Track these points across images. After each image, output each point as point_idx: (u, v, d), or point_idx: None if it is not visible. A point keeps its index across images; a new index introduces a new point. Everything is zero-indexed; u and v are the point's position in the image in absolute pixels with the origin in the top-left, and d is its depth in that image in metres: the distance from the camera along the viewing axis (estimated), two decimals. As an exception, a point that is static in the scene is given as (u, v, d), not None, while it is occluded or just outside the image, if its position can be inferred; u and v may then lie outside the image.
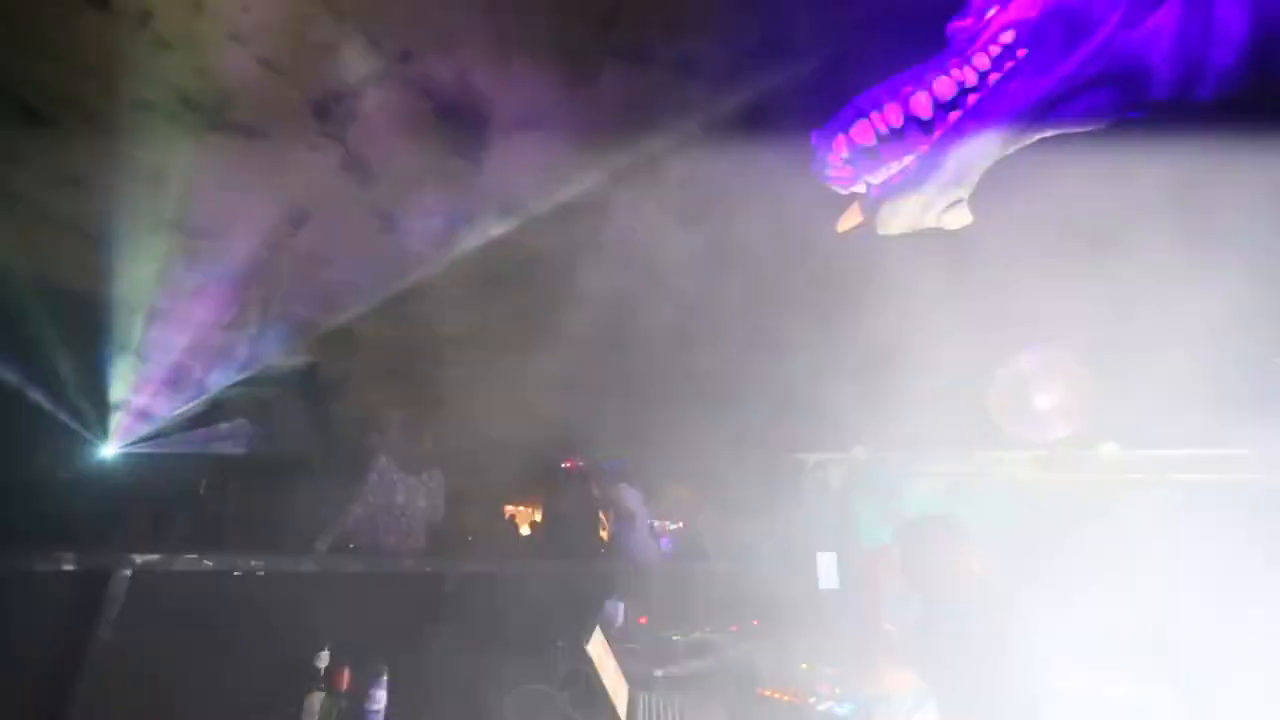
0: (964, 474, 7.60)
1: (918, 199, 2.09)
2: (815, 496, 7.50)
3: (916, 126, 2.14)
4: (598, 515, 4.49)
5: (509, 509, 7.45)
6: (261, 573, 1.98)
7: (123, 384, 7.74)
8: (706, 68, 4.42)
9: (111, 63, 4.05)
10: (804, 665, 2.14)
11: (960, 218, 1.99)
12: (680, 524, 6.33)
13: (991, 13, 2.17)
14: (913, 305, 6.04)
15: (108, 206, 5.77)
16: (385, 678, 1.80)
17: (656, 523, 6.47)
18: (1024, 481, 7.15)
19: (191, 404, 8.39)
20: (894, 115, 2.09)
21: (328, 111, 4.06)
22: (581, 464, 4.27)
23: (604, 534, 4.97)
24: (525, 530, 6.76)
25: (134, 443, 7.92)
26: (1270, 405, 4.20)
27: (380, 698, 1.78)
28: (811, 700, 2.02)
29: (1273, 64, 1.90)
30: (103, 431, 7.70)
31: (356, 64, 3.75)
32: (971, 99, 2.07)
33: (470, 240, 6.81)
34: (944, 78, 2.05)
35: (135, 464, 7.75)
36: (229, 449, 8.44)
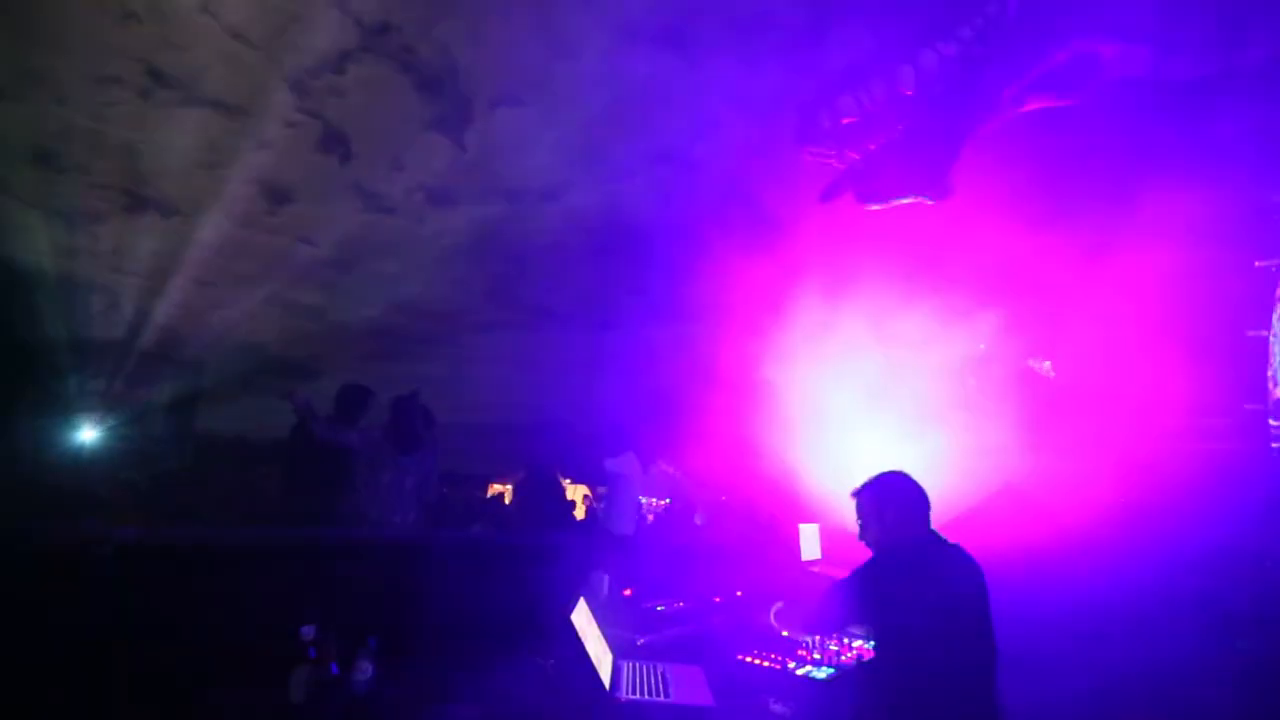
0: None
1: (902, 172, 2.10)
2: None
3: (900, 100, 2.14)
4: (564, 496, 4.53)
5: (495, 487, 7.48)
6: (250, 546, 1.98)
7: (106, 362, 7.62)
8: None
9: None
10: (784, 632, 2.19)
11: (943, 191, 1.99)
12: (667, 500, 6.39)
13: (976, -15, 2.14)
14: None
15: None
16: (372, 649, 1.81)
17: (644, 499, 6.53)
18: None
19: (176, 383, 8.28)
20: (878, 89, 2.08)
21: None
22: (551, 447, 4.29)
23: (579, 512, 5.01)
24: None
25: (120, 421, 7.81)
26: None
27: (367, 668, 1.80)
28: (791, 665, 2.07)
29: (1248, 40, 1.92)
30: (89, 409, 7.59)
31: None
32: (955, 72, 2.07)
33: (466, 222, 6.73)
34: (928, 51, 2.05)
35: (121, 442, 7.66)
36: (218, 427, 8.35)
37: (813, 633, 2.19)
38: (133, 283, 7.34)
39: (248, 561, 1.88)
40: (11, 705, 1.51)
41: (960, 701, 1.76)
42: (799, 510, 4.00)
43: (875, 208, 2.25)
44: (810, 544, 3.82)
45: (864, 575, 1.91)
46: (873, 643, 1.86)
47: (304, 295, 7.86)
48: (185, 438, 8.45)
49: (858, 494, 2.07)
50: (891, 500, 1.97)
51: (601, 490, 5.01)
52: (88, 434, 7.54)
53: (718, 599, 2.73)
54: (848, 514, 2.11)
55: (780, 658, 2.11)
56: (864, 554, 2.14)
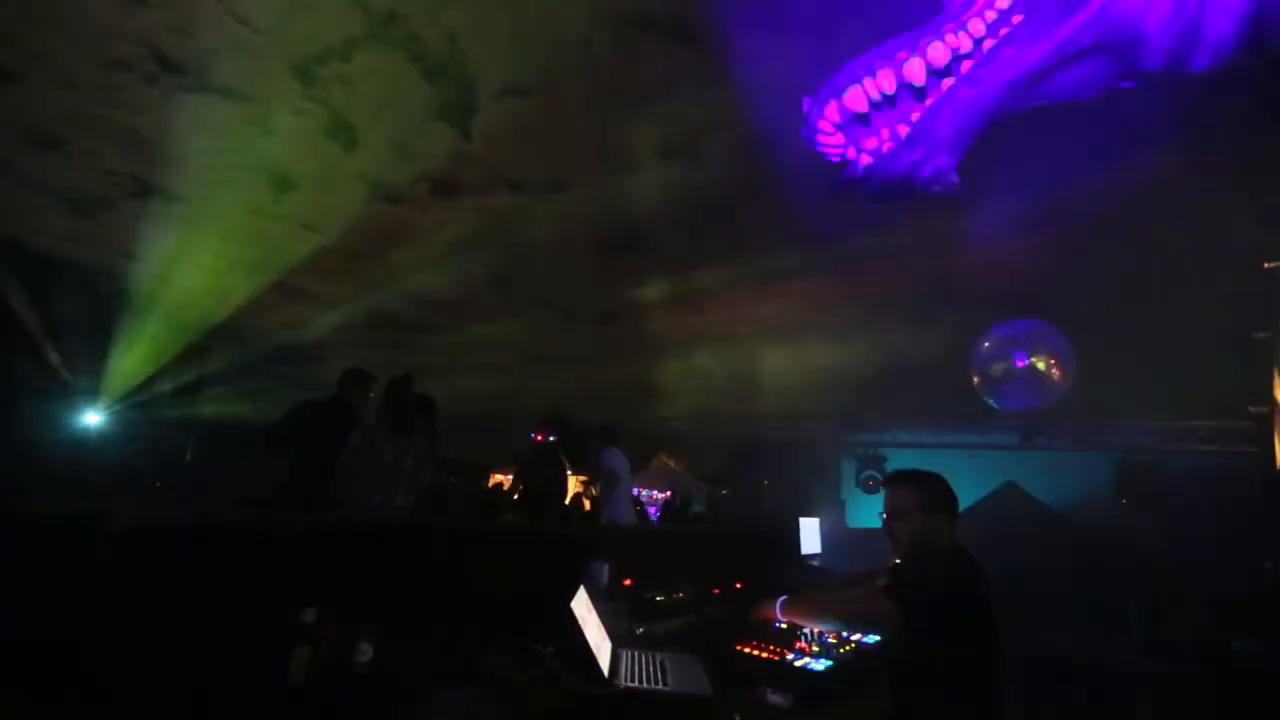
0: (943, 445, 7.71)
1: (909, 166, 2.09)
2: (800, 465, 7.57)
3: (910, 93, 2.13)
4: (565, 487, 4.55)
5: (496, 476, 7.49)
6: (249, 529, 1.99)
7: (108, 347, 7.65)
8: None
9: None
10: (782, 624, 2.19)
11: (951, 185, 1.98)
12: (668, 493, 6.41)
13: (988, -23, 2.11)
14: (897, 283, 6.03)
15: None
16: (372, 633, 1.82)
17: (644, 492, 6.55)
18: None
19: (179, 368, 8.32)
20: (887, 81, 2.07)
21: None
22: (550, 437, 4.31)
23: (586, 503, 5.04)
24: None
25: (120, 406, 7.85)
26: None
27: (367, 651, 1.81)
28: (789, 656, 2.07)
29: (1269, 34, 1.89)
30: (90, 394, 7.63)
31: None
32: (966, 66, 2.05)
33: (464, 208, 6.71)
34: (938, 43, 2.03)
35: (122, 425, 7.70)
36: (217, 411, 8.39)
37: (859, 630, 2.22)
38: (137, 268, 7.35)
39: (247, 543, 1.89)
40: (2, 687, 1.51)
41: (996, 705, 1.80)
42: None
43: (883, 201, 2.24)
44: (810, 538, 3.83)
45: (936, 583, 1.84)
46: (919, 646, 1.80)
47: (309, 283, 7.87)
48: (188, 423, 8.49)
49: (905, 482, 2.02)
50: (943, 500, 1.96)
51: (600, 481, 5.02)
52: (91, 418, 7.58)
53: (716, 590, 2.74)
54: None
55: (778, 649, 2.11)
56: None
